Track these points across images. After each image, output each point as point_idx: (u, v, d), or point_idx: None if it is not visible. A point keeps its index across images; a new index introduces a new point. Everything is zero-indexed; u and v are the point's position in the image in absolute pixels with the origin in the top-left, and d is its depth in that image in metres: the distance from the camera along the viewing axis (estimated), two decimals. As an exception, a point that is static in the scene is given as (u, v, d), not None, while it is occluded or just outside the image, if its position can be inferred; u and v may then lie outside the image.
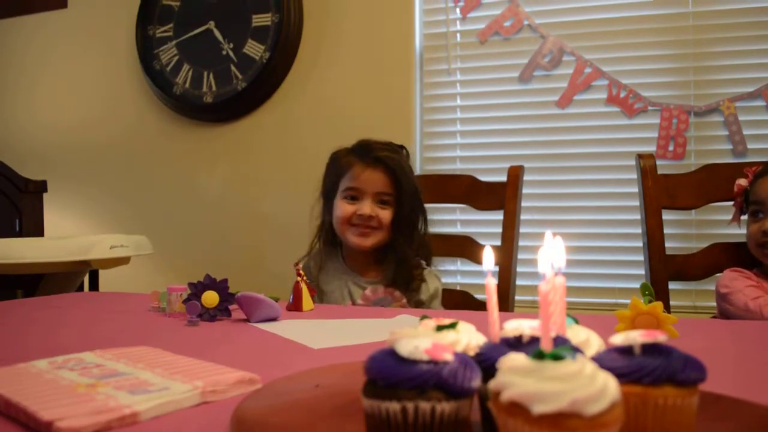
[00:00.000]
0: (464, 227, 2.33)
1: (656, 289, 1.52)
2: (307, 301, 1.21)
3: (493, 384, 0.38)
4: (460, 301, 1.71)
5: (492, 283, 0.50)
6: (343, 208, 1.51)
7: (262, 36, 2.53)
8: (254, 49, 2.54)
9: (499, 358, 0.40)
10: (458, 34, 2.41)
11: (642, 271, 1.67)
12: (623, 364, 0.42)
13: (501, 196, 1.69)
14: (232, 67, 2.58)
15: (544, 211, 2.26)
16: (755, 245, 1.47)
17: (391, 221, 1.51)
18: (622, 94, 2.20)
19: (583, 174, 2.24)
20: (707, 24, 2.14)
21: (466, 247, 1.72)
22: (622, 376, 0.41)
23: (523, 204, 1.74)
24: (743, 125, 2.08)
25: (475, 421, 0.46)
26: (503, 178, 1.70)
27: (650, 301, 0.74)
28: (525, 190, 1.76)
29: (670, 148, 2.14)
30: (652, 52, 2.19)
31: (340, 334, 0.96)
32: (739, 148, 2.08)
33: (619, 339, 0.45)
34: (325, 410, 0.52)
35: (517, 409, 0.36)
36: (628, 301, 0.73)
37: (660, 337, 0.43)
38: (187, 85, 2.66)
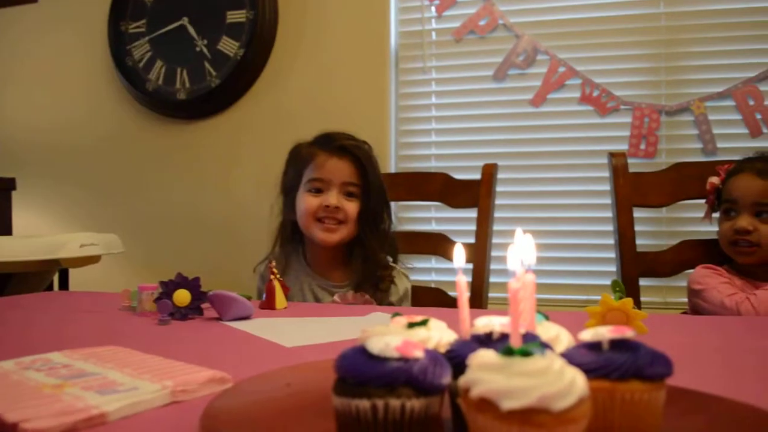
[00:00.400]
0: (439, 225, 2.33)
1: (627, 285, 1.53)
2: (280, 299, 1.21)
3: (462, 380, 0.38)
4: (434, 298, 1.71)
5: (462, 280, 0.50)
6: (307, 201, 1.43)
7: (237, 33, 2.51)
8: (228, 46, 2.52)
9: (469, 355, 0.40)
10: (433, 33, 2.41)
11: (613, 268, 1.69)
12: (591, 359, 0.43)
13: (475, 194, 1.70)
14: (206, 64, 2.55)
15: (518, 209, 2.28)
16: (727, 243, 1.48)
17: (357, 215, 1.44)
18: (595, 93, 2.22)
19: (556, 172, 2.26)
20: (679, 25, 2.17)
21: (440, 245, 1.72)
22: (590, 371, 0.41)
23: (497, 202, 1.75)
24: (713, 125, 2.12)
25: (445, 417, 0.46)
26: (478, 176, 1.71)
27: (621, 298, 0.74)
28: (499, 188, 1.77)
29: (642, 146, 2.17)
30: (625, 52, 2.22)
31: (313, 332, 0.95)
32: (708, 147, 2.12)
33: (588, 335, 0.45)
34: (295, 408, 0.51)
35: (487, 405, 0.36)
36: (599, 298, 0.74)
37: (628, 332, 0.44)
38: (160, 81, 2.62)
